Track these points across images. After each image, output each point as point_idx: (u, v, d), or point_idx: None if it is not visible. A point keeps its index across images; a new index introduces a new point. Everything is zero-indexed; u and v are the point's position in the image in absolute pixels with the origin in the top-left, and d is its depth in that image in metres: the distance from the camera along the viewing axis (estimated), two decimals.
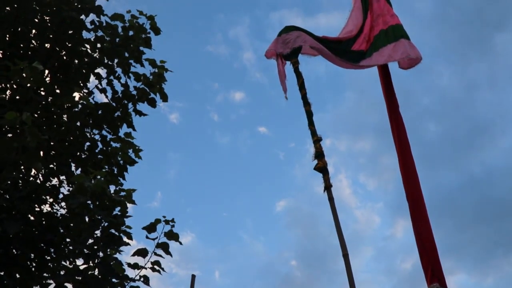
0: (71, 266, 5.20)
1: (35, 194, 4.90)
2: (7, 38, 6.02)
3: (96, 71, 6.29)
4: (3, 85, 5.66)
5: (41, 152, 5.41)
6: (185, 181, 25.72)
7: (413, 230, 5.59)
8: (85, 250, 5.01)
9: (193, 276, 5.65)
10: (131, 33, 6.35)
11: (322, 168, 5.74)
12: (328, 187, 5.63)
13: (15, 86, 5.60)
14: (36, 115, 5.61)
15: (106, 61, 6.24)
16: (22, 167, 4.97)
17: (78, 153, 5.71)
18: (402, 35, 6.57)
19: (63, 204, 5.51)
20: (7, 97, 5.52)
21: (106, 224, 4.98)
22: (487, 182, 22.23)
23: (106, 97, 6.29)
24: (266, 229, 26.45)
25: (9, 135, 5.08)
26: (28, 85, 5.13)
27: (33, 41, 6.27)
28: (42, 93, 5.90)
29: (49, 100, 5.87)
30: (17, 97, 5.30)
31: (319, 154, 5.82)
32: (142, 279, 5.13)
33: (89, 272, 4.97)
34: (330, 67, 6.54)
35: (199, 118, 26.47)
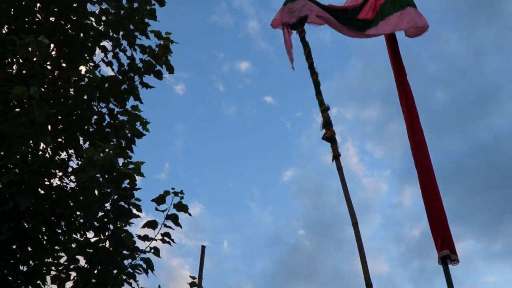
0: (82, 239, 5.15)
1: (44, 168, 4.80)
2: (12, 12, 5.80)
3: (101, 44, 6.16)
4: (9, 59, 5.49)
5: (49, 126, 5.30)
6: (192, 152, 25.53)
7: (422, 197, 5.44)
8: (95, 223, 4.94)
9: (203, 247, 5.53)
10: (135, 5, 6.12)
11: (330, 137, 5.59)
12: (336, 156, 5.50)
13: (21, 61, 5.44)
14: (43, 89, 5.47)
15: (111, 33, 6.09)
16: (31, 142, 4.81)
17: (86, 127, 5.62)
18: (408, 3, 6.37)
19: (72, 178, 5.37)
20: (14, 71, 5.35)
21: (115, 197, 4.88)
22: (495, 148, 21.88)
23: (112, 70, 6.20)
24: (274, 198, 26.27)
25: (17, 109, 4.96)
26: (34, 59, 4.95)
27: (38, 15, 6.06)
28: (49, 67, 5.74)
29: (56, 74, 5.72)
30: (24, 72, 5.14)
31: (327, 124, 5.67)
32: (152, 250, 5.06)
33: (100, 245, 4.91)
34: (336, 35, 6.40)
35: (204, 89, 26.11)
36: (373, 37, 6.49)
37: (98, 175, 4.74)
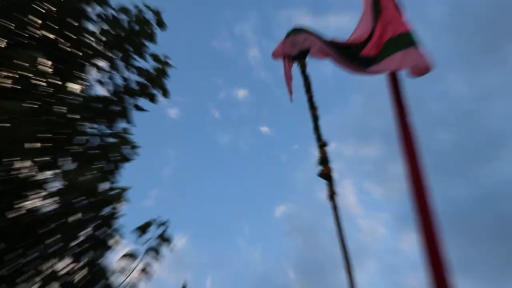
0: (57, 266, 4.54)
1: (19, 190, 4.25)
2: (12, 27, 5.42)
3: (95, 62, 5.78)
4: (5, 73, 5.07)
5: (34, 145, 4.81)
6: (181, 179, 24.53)
7: (421, 245, 4.88)
8: (73, 249, 4.60)
9: (185, 283, 4.92)
10: (136, 27, 5.74)
11: (327, 175, 5.15)
12: (332, 195, 5.04)
13: (17, 76, 5.01)
14: (36, 106, 5.02)
15: (108, 53, 5.63)
16: (8, 160, 4.31)
17: (72, 147, 5.20)
18: (413, 42, 5.96)
19: (54, 199, 4.83)
20: (9, 86, 4.94)
21: (97, 223, 4.63)
22: (499, 195, 20.96)
23: (107, 90, 5.91)
24: (264, 235, 24.73)
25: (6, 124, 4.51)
26: (30, 75, 4.53)
27: (38, 31, 5.67)
28: (43, 84, 5.30)
29: (51, 91, 5.27)
30: (19, 87, 4.70)
31: (324, 160, 5.24)
32: (130, 283, 4.48)
33: (77, 273, 4.55)
34: (337, 70, 6.05)
35: (199, 115, 25.37)
36: (375, 74, 6.05)
37: (81, 198, 4.49)
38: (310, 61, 5.98)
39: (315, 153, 5.33)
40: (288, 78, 5.81)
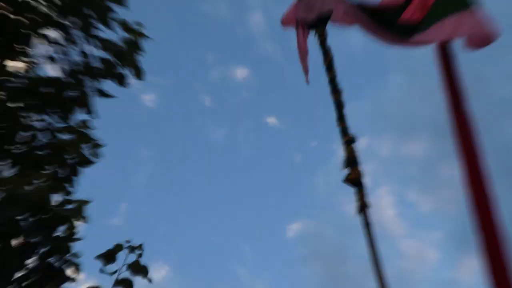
0: None
1: None
2: None
3: (44, 32, 5.71)
4: None
5: None
6: (160, 189, 23.53)
7: (486, 273, 4.84)
8: (17, 283, 4.47)
9: None
10: None
11: (355, 180, 5.02)
12: (363, 207, 4.89)
13: None
14: None
15: (59, 20, 5.59)
16: None
17: (14, 146, 5.19)
18: (469, 3, 5.82)
19: None
20: None
21: (45, 249, 4.56)
22: None
23: (60, 70, 5.80)
24: (273, 262, 23.53)
25: None
26: None
27: None
28: None
29: None
30: None
31: (352, 161, 5.12)
32: None
33: None
34: (369, 40, 5.90)
35: (185, 102, 24.11)
36: (420, 46, 5.96)
37: (23, 215, 4.42)
38: (331, 30, 5.92)
39: (340, 152, 5.29)
40: (303, 52, 5.73)
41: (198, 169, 23.75)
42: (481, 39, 5.91)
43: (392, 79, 24.06)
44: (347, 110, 5.58)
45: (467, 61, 6.32)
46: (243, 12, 25.45)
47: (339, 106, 5.43)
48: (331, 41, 5.78)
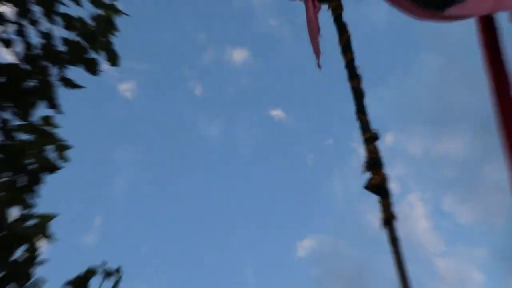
0: None
1: None
2: None
3: None
4: None
5: None
6: (142, 199, 23.63)
7: None
8: None
9: None
10: None
11: (379, 186, 5.15)
12: (389, 219, 4.98)
13: None
14: None
15: None
16: None
17: None
18: None
19: None
20: None
21: (3, 273, 4.66)
22: None
23: (15, 55, 5.93)
24: (281, 286, 24.49)
25: None
26: None
27: None
28: None
29: None
30: None
31: (374, 163, 5.26)
32: None
33: None
34: (396, 14, 6.02)
35: (170, 92, 23.90)
36: (457, 19, 6.04)
37: None
38: (348, 2, 5.96)
39: (360, 152, 5.41)
40: (314, 31, 5.85)
41: (188, 173, 23.49)
42: None
43: (424, 60, 23.60)
44: (369, 100, 5.65)
45: None
46: None
47: (359, 95, 5.51)
48: (348, 15, 5.83)
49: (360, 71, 5.61)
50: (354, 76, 5.57)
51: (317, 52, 5.83)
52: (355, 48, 5.76)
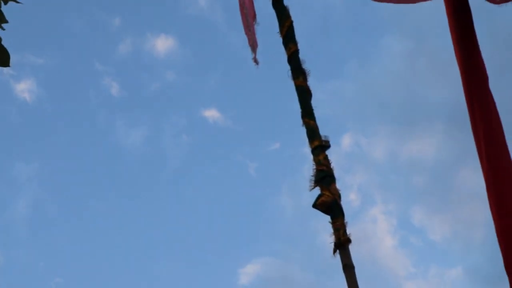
0: None
1: None
2: None
3: None
4: None
5: None
6: (49, 223, 22.39)
7: None
8: None
9: None
10: None
11: (329, 204, 4.95)
12: (343, 242, 4.87)
13: None
14: None
15: None
16: None
17: None
18: None
19: None
20: None
21: None
22: None
23: None
24: None
25: None
26: None
27: None
28: None
29: None
30: None
31: (324, 176, 5.04)
32: None
33: None
34: None
35: (80, 91, 22.60)
36: (421, 1, 5.99)
37: None
38: None
39: (310, 160, 5.28)
40: (248, 18, 5.69)
41: (104, 190, 21.63)
42: None
43: (386, 45, 21.70)
44: (322, 95, 5.49)
45: (492, 16, 6.15)
46: None
47: (304, 96, 5.37)
48: (291, 5, 5.68)
49: (306, 66, 5.43)
50: (298, 73, 5.36)
51: (253, 44, 5.61)
52: (302, 34, 5.60)
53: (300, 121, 5.41)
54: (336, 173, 5.31)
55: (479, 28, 6.19)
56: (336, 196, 4.93)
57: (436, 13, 6.40)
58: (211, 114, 21.32)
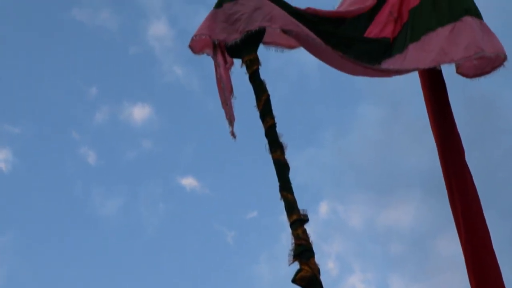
0: None
1: None
2: None
3: None
4: None
5: None
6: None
7: None
8: None
9: None
10: None
11: (309, 279, 4.89)
12: None
13: None
14: None
15: None
16: None
17: None
18: (467, 8, 6.01)
19: None
20: None
21: None
22: None
23: None
24: None
25: None
26: None
27: None
28: None
29: None
30: None
31: (303, 251, 4.98)
32: None
33: None
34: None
35: (56, 161, 22.02)
36: (395, 74, 6.04)
37: None
38: (267, 54, 5.89)
39: (288, 231, 5.18)
40: (225, 91, 5.61)
41: (80, 261, 21.07)
42: (483, 63, 5.95)
43: (363, 113, 21.91)
44: (299, 163, 5.47)
45: (470, 88, 6.25)
46: (138, 21, 23.52)
47: (281, 169, 5.28)
48: (267, 68, 5.69)
49: (283, 135, 5.37)
50: (275, 146, 5.30)
51: (230, 117, 5.54)
52: (278, 102, 5.59)
53: (278, 194, 5.29)
54: (314, 242, 5.35)
55: (455, 97, 6.28)
56: (315, 271, 4.89)
57: (412, 81, 6.52)
58: (188, 182, 20.99)
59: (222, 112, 5.59)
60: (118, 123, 21.68)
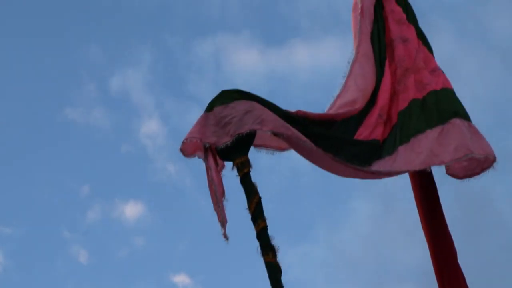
0: None
1: None
2: None
3: None
4: None
5: None
6: None
7: None
8: None
9: None
10: None
11: None
12: None
13: None
14: None
15: None
16: None
17: None
18: (455, 111, 6.18)
19: None
20: None
21: None
22: None
23: None
24: None
25: None
26: None
27: None
28: None
29: None
30: None
31: None
32: None
33: None
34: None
35: (48, 260, 22.00)
36: (385, 176, 6.15)
37: None
38: (258, 157, 5.96)
39: None
40: (217, 194, 5.61)
41: None
42: (471, 166, 6.12)
43: (354, 208, 22.13)
44: (292, 259, 5.49)
45: (462, 184, 6.31)
46: (131, 119, 23.71)
47: (273, 272, 5.32)
48: (259, 164, 5.78)
49: (273, 241, 5.42)
50: (267, 249, 5.38)
51: (222, 220, 5.56)
52: (270, 198, 5.63)
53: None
54: None
55: (447, 192, 6.36)
56: None
57: (403, 176, 6.52)
58: (181, 279, 20.85)
59: (212, 216, 5.59)
60: (110, 221, 21.68)
